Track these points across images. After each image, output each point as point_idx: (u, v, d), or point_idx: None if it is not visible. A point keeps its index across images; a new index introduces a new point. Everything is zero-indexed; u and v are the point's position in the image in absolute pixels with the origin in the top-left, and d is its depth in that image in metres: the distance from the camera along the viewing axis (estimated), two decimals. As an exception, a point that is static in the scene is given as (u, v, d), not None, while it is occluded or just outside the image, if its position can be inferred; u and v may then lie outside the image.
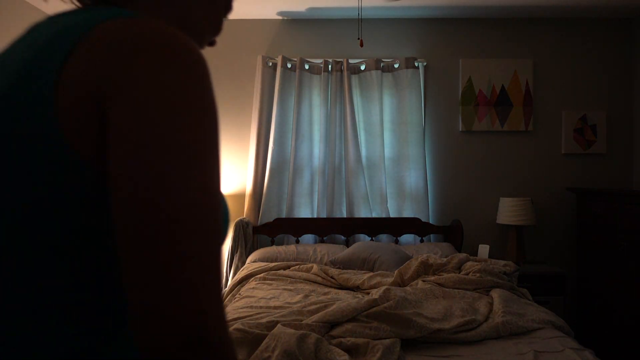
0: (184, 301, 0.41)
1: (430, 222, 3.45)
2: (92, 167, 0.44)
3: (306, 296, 2.34)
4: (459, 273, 2.53)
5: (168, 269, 0.41)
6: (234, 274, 3.12)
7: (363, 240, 3.36)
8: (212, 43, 0.65)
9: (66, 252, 0.46)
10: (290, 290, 2.48)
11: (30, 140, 0.44)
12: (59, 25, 0.48)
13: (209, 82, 0.46)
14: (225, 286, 3.14)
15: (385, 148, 3.44)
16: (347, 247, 3.25)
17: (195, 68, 0.45)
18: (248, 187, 3.36)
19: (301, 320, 1.86)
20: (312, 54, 3.49)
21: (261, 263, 2.95)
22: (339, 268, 2.90)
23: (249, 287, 2.61)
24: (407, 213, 3.41)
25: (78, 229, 0.46)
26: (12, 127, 0.44)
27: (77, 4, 0.56)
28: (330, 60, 3.40)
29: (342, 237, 3.40)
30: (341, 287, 2.62)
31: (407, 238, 3.42)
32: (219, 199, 0.46)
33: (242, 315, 2.08)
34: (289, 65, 3.41)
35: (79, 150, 0.44)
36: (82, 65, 0.44)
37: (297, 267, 2.85)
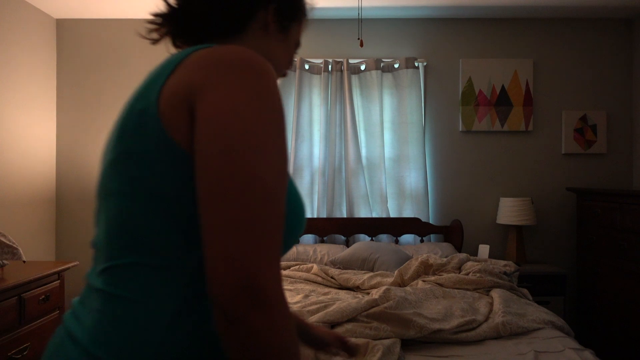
0: (243, 256, 0.50)
1: (430, 222, 3.45)
2: (189, 152, 0.57)
3: (306, 296, 2.34)
4: (459, 273, 2.53)
5: (234, 228, 0.50)
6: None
7: (363, 240, 3.36)
8: (284, 74, 0.80)
9: (175, 219, 0.58)
10: (290, 290, 2.48)
11: (149, 138, 0.58)
12: (171, 57, 0.64)
13: (276, 85, 0.58)
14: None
15: (385, 148, 3.44)
16: (347, 247, 3.25)
17: (265, 75, 0.57)
18: (248, 187, 3.36)
19: (301, 321, 1.86)
20: (312, 54, 3.49)
21: (261, 263, 2.95)
22: (339, 268, 2.90)
23: (249, 287, 2.60)
24: (407, 213, 3.41)
25: (182, 199, 0.58)
26: (136, 129, 0.59)
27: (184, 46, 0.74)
28: (330, 60, 3.40)
29: (342, 237, 3.40)
30: (341, 287, 2.62)
31: (407, 238, 3.42)
32: (284, 176, 0.55)
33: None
34: (289, 65, 3.41)
35: (179, 141, 0.57)
36: (178, 77, 0.58)
37: (297, 267, 2.85)
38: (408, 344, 1.80)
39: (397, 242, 3.36)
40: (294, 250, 3.09)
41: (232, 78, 0.55)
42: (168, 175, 0.57)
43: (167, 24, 0.72)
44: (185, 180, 0.57)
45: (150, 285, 0.59)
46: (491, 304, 2.14)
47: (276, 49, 0.75)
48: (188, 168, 0.57)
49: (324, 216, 3.38)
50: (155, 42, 0.74)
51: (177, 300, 0.59)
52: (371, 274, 2.68)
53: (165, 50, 3.48)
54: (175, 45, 0.74)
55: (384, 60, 3.43)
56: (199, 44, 0.71)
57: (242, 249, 0.50)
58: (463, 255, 2.68)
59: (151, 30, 0.73)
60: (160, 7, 0.73)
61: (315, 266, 2.79)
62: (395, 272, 2.59)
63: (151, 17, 0.67)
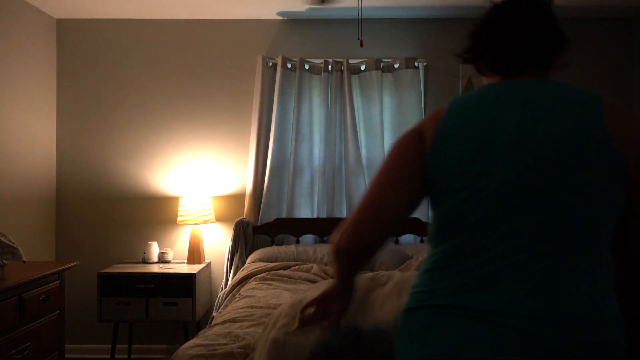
0: None
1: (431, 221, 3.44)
2: (629, 172, 0.86)
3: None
4: (459, 273, 2.53)
5: None
6: (234, 274, 3.12)
7: (363, 240, 3.35)
8: None
9: (612, 217, 0.87)
10: (290, 290, 2.48)
11: (608, 160, 0.84)
12: (571, 93, 0.91)
13: None
14: (225, 286, 3.14)
15: (386, 148, 3.44)
16: (347, 247, 3.24)
17: None
18: (248, 187, 3.36)
19: (301, 321, 1.85)
20: (312, 54, 3.49)
21: (261, 263, 2.95)
22: (339, 268, 2.89)
23: (249, 287, 2.60)
24: (407, 213, 3.40)
25: (620, 202, 0.87)
26: (590, 152, 0.84)
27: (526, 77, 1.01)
28: (330, 60, 3.40)
29: (342, 237, 3.39)
30: (341, 287, 2.61)
31: (407, 238, 3.42)
32: None
33: (242, 315, 2.08)
34: (289, 66, 3.41)
35: (628, 165, 0.85)
36: (617, 127, 0.85)
37: (297, 267, 2.85)
38: (408, 344, 1.80)
39: (397, 242, 3.36)
40: (293, 250, 3.09)
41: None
42: (613, 185, 0.84)
43: (484, 58, 1.02)
44: (622, 190, 0.86)
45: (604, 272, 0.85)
46: (491, 304, 2.14)
47: None
48: (626, 182, 0.86)
49: (324, 216, 3.38)
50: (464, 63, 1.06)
51: (611, 283, 0.86)
52: (371, 274, 2.67)
53: (166, 51, 3.47)
54: (478, 68, 1.04)
55: (384, 60, 3.43)
56: (507, 73, 0.99)
57: None
58: (463, 256, 2.68)
59: (464, 60, 1.05)
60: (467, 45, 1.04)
61: (315, 266, 2.79)
62: (395, 272, 2.59)
63: (463, 52, 1.04)
